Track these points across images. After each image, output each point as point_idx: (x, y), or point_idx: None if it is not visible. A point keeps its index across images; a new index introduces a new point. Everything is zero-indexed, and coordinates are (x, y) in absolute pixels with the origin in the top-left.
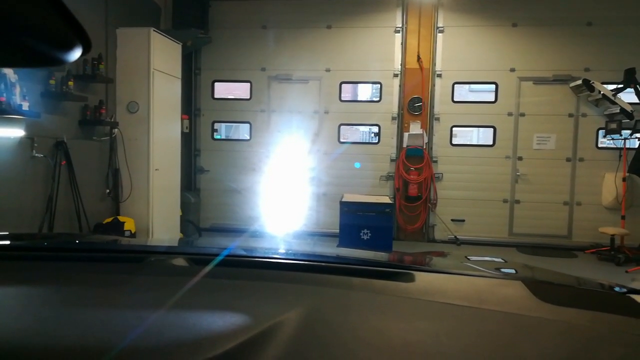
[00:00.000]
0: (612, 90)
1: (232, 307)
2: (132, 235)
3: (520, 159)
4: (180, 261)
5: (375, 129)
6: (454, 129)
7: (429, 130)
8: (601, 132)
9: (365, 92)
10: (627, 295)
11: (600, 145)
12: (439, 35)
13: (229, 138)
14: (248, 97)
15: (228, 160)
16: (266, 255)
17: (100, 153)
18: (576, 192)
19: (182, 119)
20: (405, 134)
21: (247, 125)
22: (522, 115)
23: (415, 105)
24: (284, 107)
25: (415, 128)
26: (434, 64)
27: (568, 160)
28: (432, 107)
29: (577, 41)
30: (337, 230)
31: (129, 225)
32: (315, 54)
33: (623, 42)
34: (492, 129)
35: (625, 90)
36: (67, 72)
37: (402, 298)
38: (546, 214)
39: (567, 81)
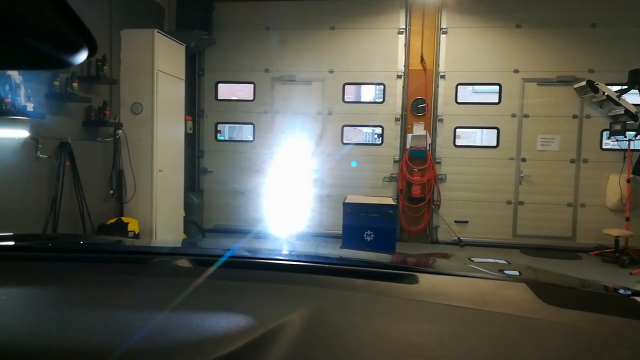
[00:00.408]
0: (616, 92)
1: (235, 309)
2: (136, 236)
3: (524, 160)
4: (183, 262)
5: (379, 130)
6: (457, 130)
7: (432, 131)
8: (605, 134)
9: (368, 93)
10: (632, 297)
11: (604, 146)
12: (443, 36)
13: (233, 139)
14: (251, 98)
15: (231, 162)
16: (269, 257)
17: (104, 154)
18: (580, 193)
19: (185, 120)
20: (409, 135)
21: (250, 127)
22: (526, 116)
23: (419, 106)
24: (287, 109)
25: (419, 129)
26: (437, 65)
27: (572, 161)
28: (435, 108)
29: (581, 42)
30: (341, 232)
31: (133, 226)
32: (319, 56)
33: (627, 43)
34: (495, 130)
35: (630, 92)
36: (72, 74)
37: (406, 300)
38: (550, 215)
39: (571, 82)
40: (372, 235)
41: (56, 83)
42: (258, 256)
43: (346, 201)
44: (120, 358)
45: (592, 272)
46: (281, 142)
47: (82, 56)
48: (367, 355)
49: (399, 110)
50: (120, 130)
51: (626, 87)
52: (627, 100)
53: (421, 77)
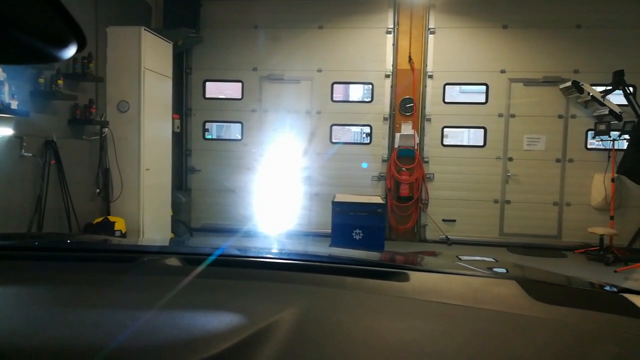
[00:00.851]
0: (601, 92)
1: (226, 307)
2: (123, 236)
3: (510, 159)
4: (173, 261)
5: (367, 130)
6: (445, 129)
7: (420, 130)
8: (590, 134)
9: (357, 92)
10: (619, 294)
11: (589, 146)
12: (430, 36)
13: (221, 138)
14: (240, 96)
15: (220, 160)
16: (259, 255)
17: (90, 152)
18: (566, 192)
19: (173, 119)
20: (397, 135)
21: (238, 125)
22: (513, 116)
23: (407, 106)
24: (275, 107)
25: (407, 129)
26: (425, 65)
27: (558, 161)
28: (423, 107)
29: (567, 43)
30: (329, 230)
31: (120, 225)
32: (307, 54)
33: (612, 44)
34: (482, 130)
35: (614, 92)
36: (57, 71)
37: (396, 297)
38: (536, 214)
39: (557, 83)
40: (361, 234)
41: (41, 80)
42: (247, 255)
43: (335, 200)
44: (110, 357)
45: (578, 270)
46: (270, 141)
47: (71, 51)
48: (359, 353)
49: (387, 110)
50: (106, 129)
51: (611, 87)
52: (611, 100)
53: (409, 77)
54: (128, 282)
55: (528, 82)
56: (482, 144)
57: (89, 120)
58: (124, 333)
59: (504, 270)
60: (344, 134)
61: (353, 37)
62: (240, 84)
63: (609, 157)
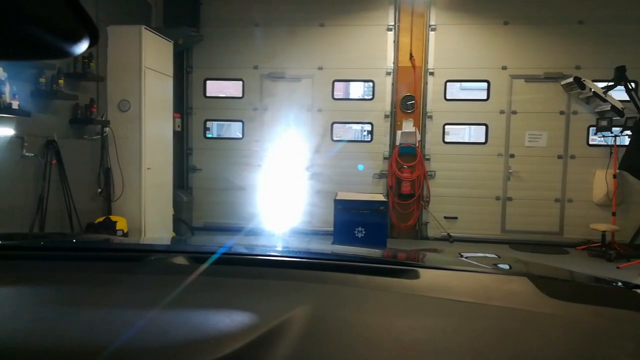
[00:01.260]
0: (602, 88)
1: (236, 306)
2: (125, 235)
3: (512, 156)
4: (181, 260)
5: (368, 127)
6: (446, 126)
7: (421, 128)
8: (592, 130)
9: (358, 90)
10: (633, 290)
11: (591, 142)
12: (431, 33)
13: (222, 136)
14: (240, 95)
15: (221, 159)
16: (267, 253)
17: (92, 152)
18: (567, 189)
19: (174, 118)
20: (398, 132)
21: (239, 124)
22: (514, 112)
23: (408, 103)
24: (276, 106)
25: (408, 126)
26: (426, 62)
27: (559, 157)
28: (424, 105)
29: (568, 39)
30: (331, 228)
31: (121, 224)
32: (308, 52)
33: (613, 40)
34: (484, 127)
35: (616, 88)
36: (58, 70)
37: (407, 295)
38: (538, 210)
39: (559, 79)
40: (364, 232)
41: (42, 80)
42: (255, 253)
43: (337, 198)
44: (121, 356)
45: (580, 267)
46: (270, 139)
47: (83, 46)
48: (372, 352)
49: (388, 107)
50: (107, 128)
51: (612, 83)
52: (613, 96)
53: (410, 74)
54: (136, 281)
55: (529, 79)
56: (483, 140)
57: (90, 119)
58: (134, 332)
59: (506, 266)
60: (345, 132)
61: (354, 34)
62: (240, 82)
63: (611, 153)
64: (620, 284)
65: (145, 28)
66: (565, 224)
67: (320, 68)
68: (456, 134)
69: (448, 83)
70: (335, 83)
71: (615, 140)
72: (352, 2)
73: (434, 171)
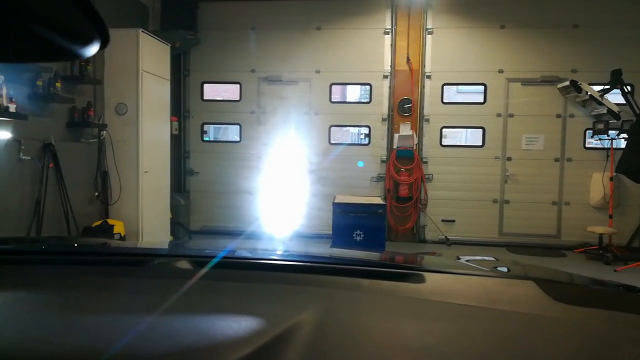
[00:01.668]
0: (599, 91)
1: (243, 311)
2: (122, 239)
3: (509, 159)
4: (184, 264)
5: (366, 130)
6: (443, 130)
7: (419, 131)
8: (589, 133)
9: (355, 93)
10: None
11: (587, 145)
12: (428, 36)
13: (219, 140)
14: (238, 98)
15: (218, 162)
16: (270, 257)
17: (89, 155)
18: (564, 192)
19: (171, 121)
20: (396, 135)
21: (237, 127)
22: (511, 116)
23: (405, 106)
24: (274, 109)
25: (405, 129)
26: (423, 66)
27: (556, 160)
28: (421, 108)
29: (565, 43)
30: (329, 232)
31: (119, 228)
32: (305, 56)
33: (609, 44)
34: (481, 130)
35: (612, 91)
36: (55, 74)
37: (413, 299)
38: (535, 213)
39: (555, 82)
40: (362, 235)
41: (39, 83)
42: (257, 257)
43: (336, 201)
44: None
45: (578, 270)
46: (268, 143)
47: (94, 48)
48: (381, 357)
49: (385, 111)
50: (104, 131)
51: (609, 86)
52: (609, 99)
53: (407, 78)
54: (138, 285)
55: (526, 82)
56: (480, 144)
57: (87, 123)
58: (139, 337)
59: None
60: (342, 135)
61: (351, 38)
62: (238, 85)
63: (608, 156)
64: (628, 288)
65: (143, 31)
66: (562, 226)
67: (317, 71)
68: (453, 137)
69: (445, 86)
70: (333, 86)
71: (611, 143)
72: (349, 6)
73: (432, 174)
